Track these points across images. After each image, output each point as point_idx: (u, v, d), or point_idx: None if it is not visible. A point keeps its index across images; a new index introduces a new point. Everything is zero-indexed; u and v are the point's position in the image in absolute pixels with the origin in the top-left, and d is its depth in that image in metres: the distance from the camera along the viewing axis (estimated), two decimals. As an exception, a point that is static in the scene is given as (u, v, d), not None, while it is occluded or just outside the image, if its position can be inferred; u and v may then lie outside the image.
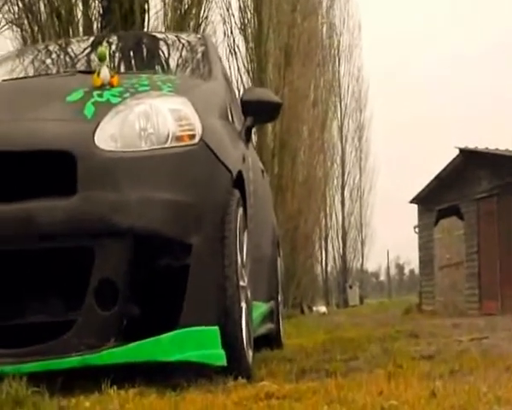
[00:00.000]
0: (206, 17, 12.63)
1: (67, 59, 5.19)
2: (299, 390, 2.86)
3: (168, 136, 3.37)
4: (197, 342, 3.31)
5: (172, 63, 5.00)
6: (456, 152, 20.27)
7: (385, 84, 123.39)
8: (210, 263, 3.40)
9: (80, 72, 4.34)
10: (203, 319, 3.35)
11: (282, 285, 7.14)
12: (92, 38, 5.91)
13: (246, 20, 20.43)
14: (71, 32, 10.56)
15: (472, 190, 19.84)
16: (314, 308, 31.67)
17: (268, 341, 6.15)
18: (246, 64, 20.61)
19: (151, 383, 3.11)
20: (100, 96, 3.50)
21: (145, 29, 10.87)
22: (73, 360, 3.08)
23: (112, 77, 3.63)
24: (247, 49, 20.48)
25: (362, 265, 52.56)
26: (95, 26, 10.91)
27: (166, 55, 5.19)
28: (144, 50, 5.47)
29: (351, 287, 45.76)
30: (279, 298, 6.78)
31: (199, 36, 5.53)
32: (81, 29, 10.83)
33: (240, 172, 3.94)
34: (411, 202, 23.72)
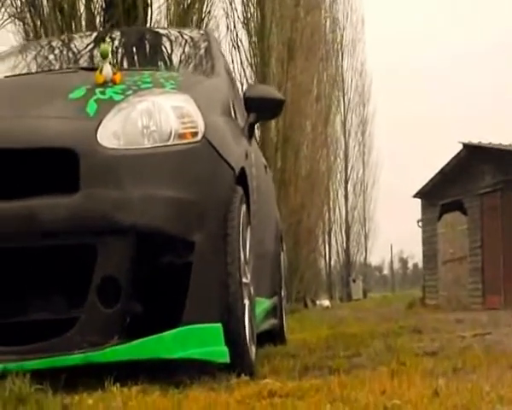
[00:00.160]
0: (209, 11, 12.60)
1: (70, 55, 5.18)
2: (302, 388, 2.86)
3: (171, 133, 3.37)
4: (200, 340, 3.31)
5: (175, 59, 5.00)
6: (460, 147, 20.24)
7: (388, 79, 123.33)
8: (213, 260, 3.40)
9: (83, 68, 4.34)
10: (206, 316, 3.35)
11: (285, 280, 7.14)
12: (95, 34, 5.91)
13: (249, 15, 20.39)
14: (73, 27, 10.53)
15: (475, 184, 19.80)
16: (317, 302, 31.67)
17: (271, 336, 6.15)
18: (249, 58, 20.57)
19: (154, 381, 3.11)
20: (102, 93, 3.50)
21: (148, 23, 10.86)
22: (76, 358, 3.09)
23: (114, 74, 3.63)
24: (249, 43, 20.42)
25: (365, 259, 52.61)
26: (97, 20, 10.88)
27: (169, 52, 5.18)
28: (147, 46, 5.47)
29: (354, 281, 45.78)
30: (282, 293, 6.77)
31: (202, 32, 5.52)
32: (84, 23, 10.81)
33: (243, 169, 3.94)
34: (415, 196, 23.69)
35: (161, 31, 6.49)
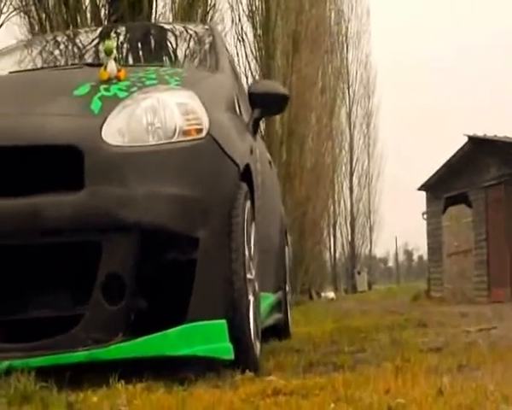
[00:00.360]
0: (214, 4, 12.57)
1: (75, 50, 5.18)
2: (307, 386, 2.86)
3: (175, 130, 3.37)
4: (205, 336, 3.31)
5: (180, 55, 4.98)
6: (465, 139, 20.20)
7: (393, 70, 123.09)
8: (217, 257, 3.40)
9: (87, 64, 4.34)
10: (211, 312, 3.36)
11: (290, 273, 7.15)
12: (100, 29, 5.91)
13: (254, 8, 20.36)
14: (78, 20, 10.52)
15: (480, 177, 19.76)
16: (322, 294, 31.70)
17: (276, 331, 6.16)
18: (254, 51, 20.55)
19: (159, 378, 3.11)
20: (107, 90, 3.49)
21: (153, 17, 10.84)
22: (81, 355, 3.09)
23: (119, 71, 3.62)
24: (254, 36, 20.39)
25: (370, 251, 52.67)
26: (102, 13, 10.87)
27: (174, 47, 5.17)
28: (152, 42, 5.47)
29: (359, 273, 45.80)
30: (287, 288, 6.78)
31: (206, 27, 5.51)
32: (89, 16, 10.80)
33: (247, 165, 3.94)
34: (419, 189, 23.65)
35: (166, 26, 6.47)
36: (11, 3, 11.67)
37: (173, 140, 3.35)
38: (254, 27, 20.36)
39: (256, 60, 20.54)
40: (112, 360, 3.12)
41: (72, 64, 4.58)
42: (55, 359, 3.08)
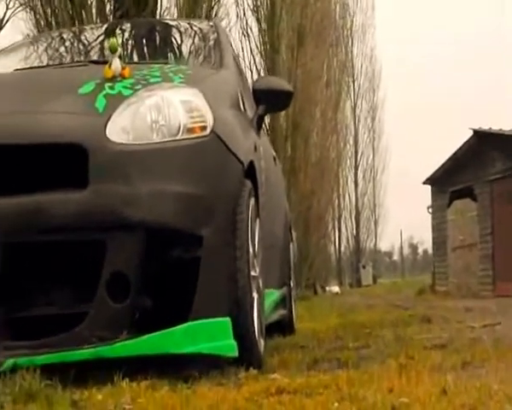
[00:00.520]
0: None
1: (80, 47, 5.19)
2: (310, 385, 2.86)
3: (179, 128, 3.37)
4: (209, 334, 3.32)
5: (184, 52, 5.00)
6: (471, 133, 20.17)
7: (397, 64, 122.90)
8: (221, 255, 3.41)
9: (93, 62, 4.34)
10: (215, 310, 3.36)
11: (294, 267, 7.15)
12: (105, 26, 5.92)
13: (258, 2, 20.31)
14: (84, 15, 10.53)
15: (485, 171, 19.73)
16: (327, 288, 31.69)
17: (280, 327, 6.17)
18: (259, 46, 20.52)
19: (163, 375, 3.12)
20: (111, 88, 3.50)
21: (158, 11, 10.84)
22: (86, 353, 3.10)
23: (123, 68, 3.63)
24: (259, 30, 20.37)
25: (375, 244, 52.64)
26: (107, 9, 10.87)
27: (178, 44, 5.18)
28: (157, 39, 5.47)
29: (364, 267, 45.78)
30: (291, 284, 6.79)
31: (211, 23, 5.50)
32: (94, 11, 10.81)
33: (251, 163, 3.94)
34: (424, 183, 23.62)
35: (171, 22, 6.48)
36: (17, -1, 11.69)
37: (177, 138, 3.35)
38: (259, 22, 20.34)
39: (261, 54, 20.53)
40: (116, 357, 3.13)
41: (78, 61, 4.59)
42: (60, 356, 3.09)
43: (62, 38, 5.36)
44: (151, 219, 3.20)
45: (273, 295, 5.40)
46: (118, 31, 5.09)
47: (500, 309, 9.74)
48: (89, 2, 10.67)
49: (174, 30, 5.50)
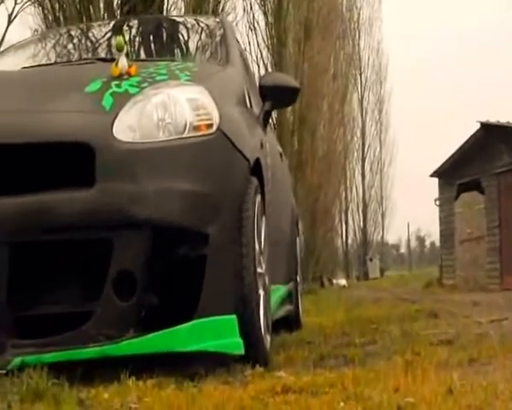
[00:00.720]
0: (226, -7, 12.56)
1: (88, 44, 5.19)
2: (316, 383, 2.86)
3: (186, 126, 3.37)
4: (215, 332, 3.33)
5: (191, 48, 4.99)
6: (478, 126, 20.12)
7: (401, 60, 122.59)
8: (227, 252, 3.41)
9: (100, 59, 4.35)
10: (221, 308, 3.37)
11: (301, 261, 7.15)
12: (113, 23, 5.92)
13: (265, -5, 20.29)
14: (91, 10, 10.53)
15: (493, 164, 19.69)
16: (334, 281, 31.71)
17: (287, 322, 6.17)
18: (265, 39, 20.48)
19: (169, 374, 3.13)
20: (118, 86, 3.50)
21: (164, 7, 10.83)
22: (92, 351, 3.11)
23: (130, 66, 3.63)
24: (266, 24, 20.32)
25: (382, 237, 52.68)
26: (115, 4, 10.87)
27: (185, 40, 5.17)
28: (163, 35, 5.47)
29: (371, 260, 45.78)
30: (298, 279, 6.79)
31: (217, 19, 5.50)
32: (102, 6, 10.81)
33: (257, 160, 3.94)
34: (432, 175, 23.57)
35: (177, 19, 6.47)
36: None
37: (184, 136, 3.36)
38: (266, 15, 20.29)
39: (268, 48, 20.48)
40: (123, 356, 3.14)
41: (85, 59, 4.59)
42: (67, 355, 3.11)
43: (69, 35, 5.36)
44: (157, 217, 3.21)
45: (279, 290, 5.40)
46: (125, 28, 5.09)
47: (507, 303, 9.73)
48: (96, -2, 10.67)
49: (181, 26, 5.50)
